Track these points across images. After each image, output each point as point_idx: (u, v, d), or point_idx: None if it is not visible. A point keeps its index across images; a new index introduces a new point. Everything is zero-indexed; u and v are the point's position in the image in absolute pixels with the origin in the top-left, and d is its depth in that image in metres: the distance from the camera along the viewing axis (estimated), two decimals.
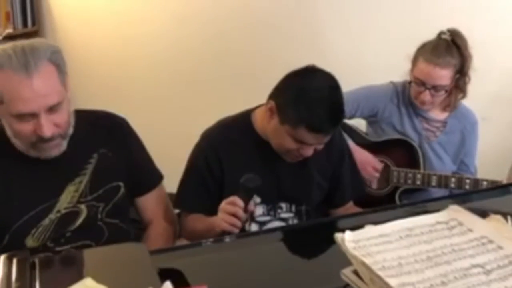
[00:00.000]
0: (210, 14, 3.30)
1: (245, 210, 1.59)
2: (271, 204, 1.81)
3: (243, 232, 1.66)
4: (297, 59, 2.95)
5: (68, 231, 1.59)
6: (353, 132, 2.38)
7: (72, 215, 1.59)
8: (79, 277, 0.95)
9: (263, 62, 3.03)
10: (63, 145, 1.55)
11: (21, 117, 1.43)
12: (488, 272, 0.86)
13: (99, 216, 1.64)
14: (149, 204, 1.78)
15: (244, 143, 1.79)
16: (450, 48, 2.18)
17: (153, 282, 0.94)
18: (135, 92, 3.54)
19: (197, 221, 1.77)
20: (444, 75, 2.17)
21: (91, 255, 1.13)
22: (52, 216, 1.56)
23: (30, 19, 3.53)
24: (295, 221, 1.85)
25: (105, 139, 1.65)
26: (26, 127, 1.45)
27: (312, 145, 1.71)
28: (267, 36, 3.21)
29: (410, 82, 2.26)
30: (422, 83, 2.20)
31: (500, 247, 0.92)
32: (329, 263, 1.12)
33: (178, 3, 3.37)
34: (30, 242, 1.55)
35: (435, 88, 2.19)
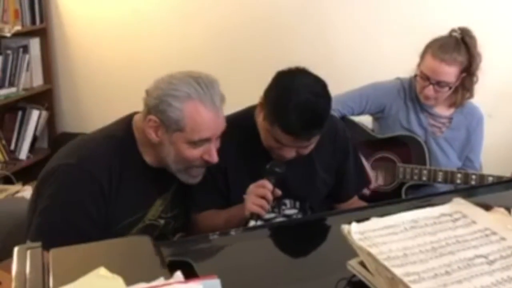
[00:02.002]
0: (216, 13, 3.32)
1: (273, 193, 1.66)
2: (275, 201, 1.82)
3: (249, 226, 1.68)
4: (303, 56, 2.98)
5: None
6: (358, 129, 2.40)
7: (152, 227, 1.67)
8: (90, 268, 0.97)
9: (268, 59, 3.04)
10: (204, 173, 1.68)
11: (195, 143, 1.57)
12: (491, 262, 0.88)
13: (169, 232, 1.73)
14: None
15: (247, 140, 1.81)
16: (459, 45, 2.19)
17: (163, 273, 0.96)
18: (142, 87, 3.55)
19: (215, 216, 1.80)
20: (449, 72, 2.18)
21: (103, 247, 1.15)
22: (141, 225, 1.64)
23: (38, 16, 3.55)
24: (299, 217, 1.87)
25: None
26: (196, 153, 1.59)
27: (290, 147, 1.71)
28: (272, 33, 3.22)
29: (415, 76, 2.27)
30: (427, 78, 2.21)
31: (503, 239, 0.94)
32: (335, 254, 1.14)
33: (185, 1, 3.38)
34: None
35: (439, 83, 2.20)
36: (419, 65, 2.26)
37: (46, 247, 1.35)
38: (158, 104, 1.55)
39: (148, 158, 1.64)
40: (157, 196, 1.68)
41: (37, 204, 1.58)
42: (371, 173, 2.30)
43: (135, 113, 1.69)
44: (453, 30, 2.24)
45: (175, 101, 1.54)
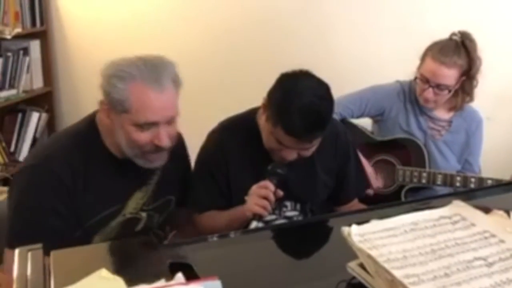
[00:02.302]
0: (216, 15, 3.32)
1: (275, 194, 1.66)
2: (276, 202, 1.83)
3: (250, 228, 1.69)
4: (303, 59, 2.97)
5: (128, 236, 1.64)
6: (358, 131, 2.40)
7: (134, 221, 1.66)
8: (92, 269, 0.98)
9: (268, 62, 3.05)
10: (166, 157, 1.63)
11: (143, 126, 1.53)
12: (490, 265, 0.89)
13: (154, 226, 1.72)
14: (183, 211, 1.87)
15: (249, 142, 1.81)
16: (458, 49, 2.20)
17: (164, 275, 0.96)
18: None
19: (216, 217, 1.81)
20: (448, 75, 2.19)
21: (104, 248, 1.16)
22: (119, 219, 1.63)
23: (39, 18, 3.55)
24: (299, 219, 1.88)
25: (170, 152, 1.69)
26: (145, 136, 1.54)
27: (292, 148, 1.71)
28: (272, 36, 3.23)
29: (415, 79, 2.28)
30: (426, 81, 2.22)
31: (502, 241, 0.95)
32: (335, 256, 1.14)
33: (185, 3, 3.39)
34: (96, 240, 1.60)
35: (438, 86, 2.21)
36: (419, 68, 2.27)
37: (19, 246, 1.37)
38: (105, 86, 1.53)
39: (115, 150, 1.62)
40: (135, 188, 1.66)
41: (9, 206, 1.59)
42: (372, 174, 2.30)
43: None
44: (453, 34, 2.25)
45: (119, 82, 1.51)
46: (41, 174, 1.55)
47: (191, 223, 1.88)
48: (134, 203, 1.66)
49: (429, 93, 2.23)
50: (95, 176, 1.58)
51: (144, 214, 1.68)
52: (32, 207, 1.55)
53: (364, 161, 2.25)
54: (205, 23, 3.36)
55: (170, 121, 1.57)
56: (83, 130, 1.64)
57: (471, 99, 2.31)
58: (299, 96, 1.66)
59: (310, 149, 1.75)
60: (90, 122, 1.63)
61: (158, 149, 1.57)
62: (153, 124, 1.53)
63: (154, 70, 1.53)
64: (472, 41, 2.22)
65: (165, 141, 1.55)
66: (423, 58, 2.26)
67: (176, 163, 1.74)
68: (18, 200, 1.57)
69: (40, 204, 1.55)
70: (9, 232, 1.56)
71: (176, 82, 1.58)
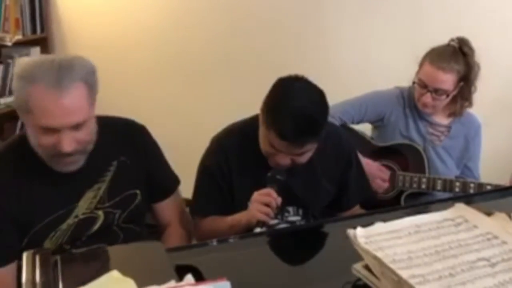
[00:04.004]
0: (215, 19, 3.34)
1: (276, 201, 1.68)
2: (278, 208, 1.85)
3: (252, 232, 1.71)
4: (303, 64, 3.01)
5: (85, 236, 1.63)
6: (358, 137, 2.42)
7: (89, 220, 1.63)
8: (100, 273, 0.99)
9: (269, 68, 3.06)
10: (81, 160, 1.57)
11: (45, 130, 1.47)
12: (493, 265, 0.91)
13: (116, 222, 1.68)
14: (166, 209, 1.84)
15: (252, 148, 1.82)
16: (456, 54, 2.23)
17: (173, 277, 0.98)
18: (143, 95, 3.58)
19: (218, 222, 1.81)
20: (446, 79, 2.21)
21: (112, 252, 1.17)
22: (70, 221, 1.60)
23: (39, 25, 3.56)
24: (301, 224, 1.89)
25: (125, 147, 1.69)
26: (48, 140, 1.48)
27: (285, 153, 1.72)
28: (273, 42, 3.24)
29: (413, 83, 2.31)
30: (424, 85, 2.25)
31: (504, 242, 0.97)
32: (340, 259, 1.16)
33: (185, 7, 3.41)
34: (47, 244, 1.58)
35: (436, 91, 2.23)
36: (417, 73, 2.29)
37: None
38: (14, 84, 1.48)
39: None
40: (85, 189, 1.62)
41: None
42: (379, 172, 2.32)
43: None
44: (451, 40, 2.28)
45: (22, 82, 1.44)
46: None
47: (193, 227, 1.89)
48: (87, 203, 1.62)
49: (427, 98, 2.25)
50: (29, 186, 1.55)
51: (100, 213, 1.64)
52: None
53: (369, 161, 2.27)
54: (205, 29, 3.38)
55: (77, 127, 1.49)
56: (13, 142, 1.61)
57: (470, 105, 2.33)
58: (292, 100, 1.68)
59: (304, 155, 1.75)
60: (22, 131, 1.60)
61: (62, 154, 1.50)
62: (55, 130, 1.47)
63: (58, 71, 1.44)
64: (469, 47, 2.25)
65: (67, 147, 1.48)
66: (421, 64, 2.28)
67: (133, 156, 1.70)
68: None
69: None
70: None
71: (88, 84, 1.49)
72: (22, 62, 1.50)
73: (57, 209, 1.58)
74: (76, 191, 1.61)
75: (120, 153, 1.68)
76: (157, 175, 1.78)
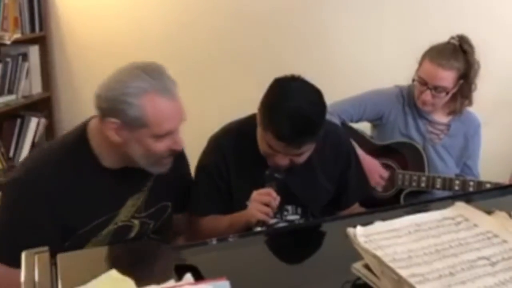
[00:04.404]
0: (214, 19, 3.34)
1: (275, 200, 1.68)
2: (277, 207, 1.84)
3: (251, 231, 1.70)
4: (303, 63, 3.01)
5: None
6: (358, 136, 2.41)
7: (126, 228, 1.65)
8: (98, 272, 0.98)
9: (269, 67, 3.06)
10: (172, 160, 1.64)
11: (161, 136, 1.53)
12: (493, 264, 0.90)
13: (148, 232, 1.71)
14: (181, 220, 1.88)
15: (249, 147, 1.82)
16: (456, 52, 2.23)
17: (172, 276, 0.97)
18: None
19: (217, 221, 1.82)
20: (446, 77, 2.21)
21: (111, 251, 1.17)
22: (111, 227, 1.62)
23: (38, 24, 3.55)
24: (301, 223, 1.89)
25: None
26: (162, 145, 1.55)
27: (283, 154, 1.72)
28: (273, 41, 3.24)
29: (413, 81, 2.30)
30: (424, 83, 2.25)
31: (504, 241, 0.97)
32: (339, 258, 1.16)
33: (185, 6, 3.40)
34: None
35: (436, 88, 2.23)
36: (417, 70, 2.29)
37: (3, 260, 1.37)
38: (115, 105, 1.49)
39: (107, 161, 1.60)
40: (127, 196, 1.65)
41: None
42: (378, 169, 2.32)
43: (92, 117, 1.64)
44: (451, 38, 2.28)
45: (132, 98, 1.48)
46: (27, 189, 1.53)
47: (192, 227, 1.89)
48: (126, 211, 1.65)
49: (427, 96, 2.25)
50: (84, 188, 1.56)
51: (136, 222, 1.67)
52: (14, 223, 1.53)
53: (369, 157, 2.27)
54: (204, 29, 3.37)
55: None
56: (71, 142, 1.61)
57: (470, 103, 2.33)
58: (289, 101, 1.67)
59: (302, 156, 1.74)
60: (80, 134, 1.61)
61: (173, 153, 1.59)
62: (169, 133, 1.55)
63: (160, 78, 1.52)
64: (470, 44, 2.24)
65: (182, 144, 1.58)
66: (421, 61, 2.28)
67: (172, 169, 1.72)
68: (4, 214, 1.56)
69: (23, 220, 1.52)
70: None
71: (175, 83, 1.57)
72: (111, 83, 1.52)
73: (103, 214, 1.60)
74: (120, 197, 1.64)
75: None
76: (185, 188, 1.84)
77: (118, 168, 1.61)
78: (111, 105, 1.50)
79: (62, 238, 1.55)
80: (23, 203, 1.53)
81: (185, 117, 1.57)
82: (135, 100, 1.48)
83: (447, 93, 2.25)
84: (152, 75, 1.51)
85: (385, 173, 2.33)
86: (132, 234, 1.66)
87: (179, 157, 1.77)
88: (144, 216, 1.69)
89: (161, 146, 1.55)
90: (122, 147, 1.55)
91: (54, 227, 1.53)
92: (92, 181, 1.58)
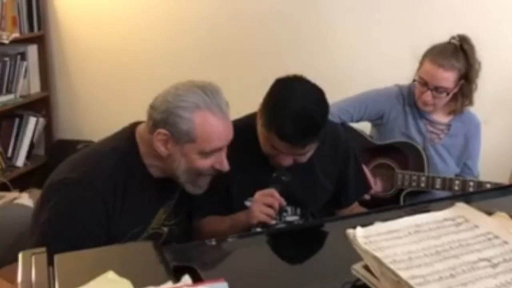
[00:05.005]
0: (215, 16, 3.34)
1: (278, 202, 1.68)
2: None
3: (251, 232, 1.70)
4: (303, 62, 3.00)
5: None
6: (357, 135, 2.41)
7: (156, 236, 1.65)
8: (96, 273, 0.98)
9: (268, 66, 3.05)
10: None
11: (207, 154, 1.56)
12: (494, 266, 0.90)
13: (173, 240, 1.69)
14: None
15: (248, 147, 1.81)
16: (457, 52, 2.22)
17: (170, 277, 0.97)
18: (140, 95, 3.56)
19: (217, 222, 1.81)
20: (446, 77, 2.21)
21: (109, 252, 1.16)
22: (144, 235, 1.62)
23: (36, 23, 3.55)
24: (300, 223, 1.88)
25: None
26: (208, 163, 1.58)
27: (287, 154, 1.72)
28: (272, 39, 3.24)
29: (414, 81, 2.30)
30: (425, 83, 2.24)
31: (505, 242, 0.96)
32: (339, 259, 1.15)
33: (185, 7, 3.40)
34: None
35: (437, 89, 2.23)
36: (418, 70, 2.29)
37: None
38: (167, 117, 1.53)
39: (154, 170, 1.62)
40: (160, 205, 1.67)
41: (40, 214, 1.56)
42: (370, 179, 2.30)
43: (137, 123, 1.67)
44: (452, 38, 2.27)
45: (184, 112, 1.52)
46: (83, 189, 1.52)
47: (192, 228, 1.88)
48: (158, 219, 1.66)
49: (428, 96, 2.24)
50: (132, 196, 1.58)
51: (165, 229, 1.68)
52: (66, 222, 1.52)
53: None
54: (203, 29, 3.37)
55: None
56: (124, 148, 1.62)
57: (471, 103, 2.32)
58: (293, 102, 1.67)
59: (306, 155, 1.75)
60: (130, 141, 1.63)
61: (216, 172, 1.62)
62: (217, 150, 1.58)
63: (215, 96, 1.55)
64: (470, 45, 2.24)
65: (227, 165, 1.61)
66: (421, 61, 2.27)
67: None
68: (53, 211, 1.53)
69: (74, 221, 1.52)
70: (36, 242, 1.51)
71: (228, 105, 1.61)
72: (169, 95, 1.55)
73: (139, 222, 1.61)
74: (155, 205, 1.66)
75: None
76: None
77: (161, 177, 1.63)
78: (164, 117, 1.53)
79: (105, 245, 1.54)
80: (75, 203, 1.53)
81: (231, 137, 1.60)
82: (187, 114, 1.52)
83: (448, 93, 2.25)
84: (208, 93, 1.55)
85: (371, 177, 2.32)
86: (161, 241, 1.65)
87: None
88: (173, 224, 1.70)
89: (205, 163, 1.58)
90: (168, 159, 1.58)
91: (100, 231, 1.53)
92: (140, 188, 1.60)
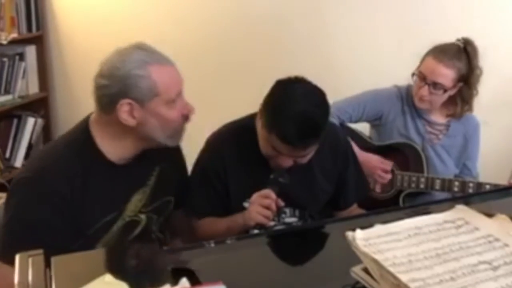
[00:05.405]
0: (215, 16, 3.33)
1: (276, 203, 1.67)
2: (278, 210, 1.83)
3: (250, 234, 1.69)
4: (302, 63, 3.00)
5: (127, 239, 1.64)
6: (356, 136, 2.41)
7: (133, 223, 1.66)
8: (93, 275, 0.97)
9: (268, 67, 3.06)
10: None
11: (171, 103, 1.57)
12: (495, 268, 0.89)
13: (153, 227, 1.71)
14: (179, 218, 1.88)
15: (248, 148, 1.81)
16: (460, 53, 2.22)
17: (167, 280, 0.96)
18: None
19: (216, 223, 1.81)
20: (445, 74, 2.20)
21: (106, 254, 1.15)
22: (119, 223, 1.62)
23: (35, 24, 3.54)
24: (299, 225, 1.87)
25: (165, 153, 1.70)
26: (176, 112, 1.59)
27: (287, 156, 1.72)
28: (273, 40, 3.24)
29: (413, 75, 2.29)
30: (423, 78, 2.24)
31: (506, 245, 0.95)
32: (338, 261, 1.14)
33: (183, 7, 3.39)
34: (99, 247, 1.59)
35: (434, 85, 2.22)
36: (418, 66, 2.28)
37: (11, 262, 1.36)
38: (126, 83, 1.52)
39: (113, 154, 1.61)
40: (133, 191, 1.66)
41: (4, 217, 1.57)
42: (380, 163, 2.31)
43: (90, 114, 1.66)
44: (457, 40, 2.28)
45: (139, 71, 1.52)
46: (38, 187, 1.52)
47: (189, 229, 1.88)
48: (133, 206, 1.65)
49: (425, 91, 2.24)
50: (93, 184, 1.57)
51: (143, 216, 1.68)
52: (26, 222, 1.52)
53: (369, 154, 2.26)
54: (202, 29, 3.37)
55: None
56: (78, 139, 1.62)
57: (471, 109, 2.33)
58: (294, 103, 1.66)
59: (306, 156, 1.75)
60: (84, 131, 1.62)
61: (186, 120, 1.63)
62: (178, 96, 1.59)
63: (153, 50, 1.59)
64: (474, 48, 2.24)
65: (192, 107, 1.63)
66: (423, 58, 2.28)
67: (172, 163, 1.76)
68: (12, 213, 1.55)
69: (34, 218, 1.52)
70: (1, 246, 1.54)
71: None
72: (115, 62, 1.55)
73: (111, 211, 1.61)
74: (126, 192, 1.65)
75: (161, 159, 1.71)
76: (184, 184, 1.85)
77: (124, 162, 1.62)
78: (121, 85, 1.52)
79: (74, 237, 1.54)
80: (32, 202, 1.52)
81: (183, 80, 1.63)
82: (143, 72, 1.53)
83: (445, 91, 2.23)
84: (146, 49, 1.58)
85: (389, 166, 2.31)
86: (139, 229, 1.67)
87: (176, 151, 1.80)
88: (150, 210, 1.70)
89: (174, 113, 1.58)
90: (138, 128, 1.56)
91: (65, 225, 1.53)
92: (100, 177, 1.58)
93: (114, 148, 1.60)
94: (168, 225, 1.84)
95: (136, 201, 1.66)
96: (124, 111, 1.53)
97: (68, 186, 1.53)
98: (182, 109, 1.60)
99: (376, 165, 2.28)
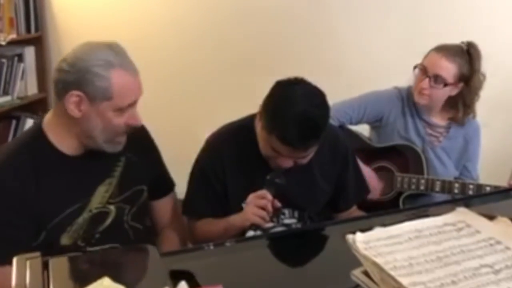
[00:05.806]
0: (215, 16, 3.33)
1: (272, 204, 1.66)
2: (277, 210, 1.82)
3: (250, 236, 1.68)
4: (303, 64, 2.99)
5: (98, 232, 1.64)
6: (356, 138, 2.40)
7: (102, 215, 1.65)
8: (92, 277, 0.96)
9: (270, 67, 3.05)
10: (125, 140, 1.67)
11: (122, 110, 1.56)
12: (497, 272, 0.88)
13: (125, 218, 1.70)
14: (164, 208, 1.87)
15: (247, 149, 1.81)
16: (462, 52, 2.23)
17: (166, 283, 0.95)
18: None
19: (212, 224, 1.80)
20: (447, 67, 2.20)
21: (104, 257, 1.15)
22: (85, 215, 1.62)
23: (34, 24, 3.54)
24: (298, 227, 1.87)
25: (130, 144, 1.69)
26: (121, 120, 1.57)
27: (287, 157, 1.71)
28: (275, 41, 3.24)
29: (415, 67, 2.28)
30: (425, 70, 2.23)
31: (508, 248, 0.94)
32: (338, 264, 1.14)
33: (184, 8, 3.39)
34: (65, 239, 1.59)
35: (435, 78, 2.21)
36: (421, 62, 2.28)
37: None
38: (83, 76, 1.51)
39: (67, 147, 1.61)
40: (97, 183, 1.65)
41: None
42: (374, 178, 2.29)
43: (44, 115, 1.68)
44: (461, 42, 2.28)
45: (100, 69, 1.51)
46: None
47: (188, 228, 1.87)
48: (99, 197, 1.65)
49: (425, 83, 2.23)
50: (47, 179, 1.57)
51: (112, 207, 1.67)
52: None
53: (363, 166, 2.24)
54: (202, 30, 3.37)
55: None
56: (28, 135, 1.65)
57: (473, 114, 2.32)
58: (294, 105, 1.66)
59: (306, 157, 1.74)
60: (36, 128, 1.64)
61: (128, 130, 1.61)
62: (130, 106, 1.58)
63: (124, 55, 1.57)
64: (477, 51, 2.24)
65: (140, 119, 1.61)
66: (426, 54, 2.27)
67: (141, 154, 1.75)
68: None
69: None
70: None
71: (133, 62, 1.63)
72: (81, 54, 1.54)
73: (72, 203, 1.60)
74: (89, 185, 1.65)
75: (126, 149, 1.70)
76: (159, 172, 1.84)
77: (80, 154, 1.63)
78: (79, 76, 1.52)
79: (35, 231, 1.56)
80: None
81: (142, 92, 1.61)
82: (103, 72, 1.51)
83: (446, 85, 2.22)
84: (116, 52, 1.56)
85: (376, 182, 2.30)
86: (109, 221, 1.66)
87: (145, 139, 1.80)
88: (119, 201, 1.69)
89: (120, 120, 1.57)
90: (81, 121, 1.56)
91: (22, 220, 1.54)
92: (54, 171, 1.59)
93: (64, 139, 1.61)
94: (156, 215, 1.85)
95: (102, 192, 1.66)
96: (72, 101, 1.53)
97: (20, 183, 1.54)
98: (129, 119, 1.59)
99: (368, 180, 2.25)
